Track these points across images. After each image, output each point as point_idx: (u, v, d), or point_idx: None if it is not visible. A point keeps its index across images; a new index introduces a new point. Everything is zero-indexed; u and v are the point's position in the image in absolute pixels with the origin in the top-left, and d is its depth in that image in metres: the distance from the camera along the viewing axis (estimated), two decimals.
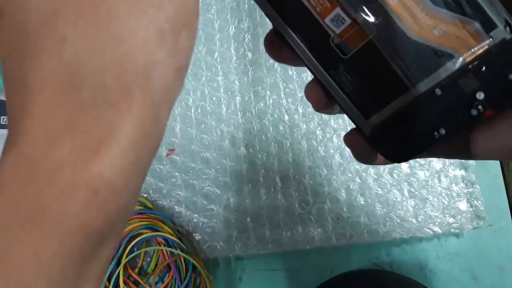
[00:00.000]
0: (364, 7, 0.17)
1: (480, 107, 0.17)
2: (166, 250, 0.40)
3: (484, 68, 0.17)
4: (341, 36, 0.18)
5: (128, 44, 0.12)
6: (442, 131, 0.18)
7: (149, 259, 0.42)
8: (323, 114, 0.45)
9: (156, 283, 0.41)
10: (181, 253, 0.40)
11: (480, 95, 0.17)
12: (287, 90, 0.46)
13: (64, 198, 0.12)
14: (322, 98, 0.20)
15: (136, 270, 0.41)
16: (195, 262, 0.40)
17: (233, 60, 0.47)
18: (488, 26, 0.16)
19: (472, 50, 0.17)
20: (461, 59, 0.17)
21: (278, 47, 0.20)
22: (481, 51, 0.17)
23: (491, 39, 0.17)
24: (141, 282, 0.41)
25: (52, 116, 0.12)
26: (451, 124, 0.18)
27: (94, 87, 0.12)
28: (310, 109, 0.45)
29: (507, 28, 0.16)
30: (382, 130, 0.19)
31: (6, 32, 0.13)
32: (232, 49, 0.47)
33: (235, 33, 0.47)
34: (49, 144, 0.12)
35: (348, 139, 0.21)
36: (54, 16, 0.12)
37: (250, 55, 0.47)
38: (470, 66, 0.17)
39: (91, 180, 0.12)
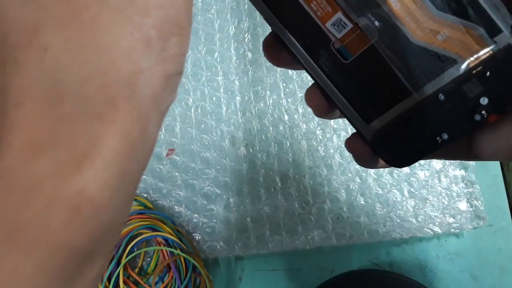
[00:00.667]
0: (366, 12, 0.17)
1: (483, 112, 0.17)
2: (166, 250, 0.40)
3: (488, 73, 0.17)
4: (342, 41, 0.18)
5: (113, 52, 0.12)
6: (445, 136, 0.18)
7: (149, 259, 0.42)
8: None
9: (156, 283, 0.41)
10: (181, 253, 0.40)
11: (484, 100, 0.17)
12: (287, 90, 0.46)
13: (44, 214, 0.12)
14: (323, 103, 0.20)
15: (136, 270, 0.41)
16: (195, 262, 0.40)
17: (233, 60, 0.47)
18: (493, 31, 0.16)
19: (476, 55, 0.17)
20: (464, 64, 0.17)
21: (277, 51, 0.20)
22: (485, 56, 0.17)
23: (495, 44, 0.16)
24: (141, 282, 0.40)
25: (33, 128, 0.12)
26: (454, 129, 0.18)
27: (77, 98, 0.12)
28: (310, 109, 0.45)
29: None
30: (384, 135, 0.19)
31: None
32: (232, 49, 0.47)
33: (235, 33, 0.47)
34: (30, 158, 0.12)
35: (349, 143, 0.21)
36: (36, 25, 0.12)
37: (250, 55, 0.47)
38: (474, 71, 0.17)
39: (73, 196, 0.12)
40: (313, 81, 0.20)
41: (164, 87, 0.13)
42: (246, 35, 0.47)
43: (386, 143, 0.19)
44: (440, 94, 0.18)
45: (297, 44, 0.19)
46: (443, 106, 0.18)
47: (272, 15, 0.19)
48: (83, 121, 0.12)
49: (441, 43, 0.17)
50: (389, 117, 0.19)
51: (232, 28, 0.47)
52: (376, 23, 0.17)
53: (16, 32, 0.12)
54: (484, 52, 0.17)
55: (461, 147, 0.20)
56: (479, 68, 0.17)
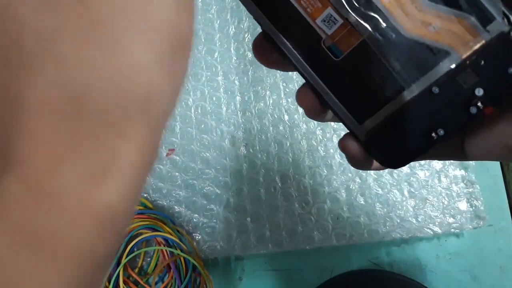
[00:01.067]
0: (357, 6, 0.17)
1: (479, 104, 0.17)
2: (166, 250, 0.40)
3: (482, 63, 0.16)
4: (333, 38, 0.18)
5: (129, 67, 0.12)
6: (441, 132, 0.18)
7: (149, 259, 0.42)
8: None
9: (156, 283, 0.41)
10: (181, 253, 0.40)
11: (479, 92, 0.17)
12: (287, 90, 0.46)
13: (71, 226, 0.12)
14: (315, 103, 0.20)
15: (136, 270, 0.41)
16: (195, 262, 0.40)
17: (233, 60, 0.47)
18: (485, 19, 0.16)
19: (469, 45, 0.16)
20: (458, 55, 0.17)
21: (268, 51, 0.19)
22: (478, 45, 0.16)
23: (488, 33, 0.16)
24: (141, 282, 0.40)
25: (54, 140, 0.12)
26: (449, 124, 0.18)
27: (95, 111, 0.12)
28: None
29: (505, 20, 0.16)
30: (377, 134, 0.19)
31: None
32: (232, 49, 0.47)
33: (235, 33, 0.47)
34: (53, 169, 0.12)
35: (342, 144, 0.20)
36: (54, 34, 0.12)
37: (250, 55, 0.47)
38: (467, 62, 0.17)
39: (97, 208, 0.12)
40: (304, 81, 0.19)
41: (172, 102, 0.14)
42: (246, 35, 0.47)
43: (380, 143, 0.19)
44: (434, 88, 0.17)
45: (287, 42, 0.18)
46: (437, 100, 0.17)
47: (261, 14, 0.18)
48: (101, 134, 0.12)
49: (433, 35, 0.17)
50: (383, 115, 0.18)
51: (232, 28, 0.47)
52: (367, 17, 0.17)
53: (32, 38, 0.12)
54: (477, 42, 0.16)
55: (455, 147, 0.20)
56: (472, 59, 0.16)
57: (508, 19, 0.16)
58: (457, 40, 0.16)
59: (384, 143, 0.19)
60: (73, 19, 0.12)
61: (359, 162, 0.20)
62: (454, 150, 0.20)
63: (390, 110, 0.18)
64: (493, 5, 0.16)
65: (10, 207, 0.12)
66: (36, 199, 0.12)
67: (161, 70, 0.13)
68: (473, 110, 0.17)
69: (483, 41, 0.16)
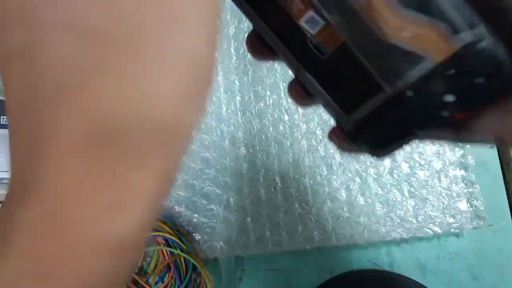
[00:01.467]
0: (335, 9, 0.17)
1: (451, 109, 0.17)
2: (166, 250, 0.40)
3: (453, 70, 0.17)
4: (318, 37, 0.18)
5: (155, 100, 0.12)
6: (416, 131, 0.19)
7: (149, 259, 0.42)
8: (323, 114, 0.45)
9: (156, 283, 0.41)
10: (181, 253, 0.40)
11: (450, 98, 0.17)
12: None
13: (89, 259, 0.12)
14: (303, 95, 0.21)
15: (136, 270, 0.41)
16: (195, 262, 0.40)
17: (233, 60, 0.47)
18: (456, 28, 0.16)
19: (441, 52, 0.17)
20: (431, 61, 0.17)
21: (260, 47, 0.20)
22: (451, 52, 0.16)
23: (459, 41, 0.16)
24: (141, 282, 0.40)
25: (76, 171, 0.12)
26: (424, 125, 0.18)
27: (119, 144, 0.12)
28: (310, 108, 0.45)
29: (475, 29, 0.16)
30: (361, 127, 0.20)
31: (24, 74, 0.12)
32: (232, 49, 0.47)
33: (235, 33, 0.47)
34: (74, 201, 0.12)
35: (331, 136, 0.22)
36: (84, 67, 0.11)
37: (250, 55, 0.47)
38: (440, 69, 0.17)
39: (116, 241, 0.13)
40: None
41: (192, 133, 0.14)
42: (246, 35, 0.47)
43: (364, 135, 0.20)
44: (408, 91, 0.17)
45: (278, 40, 0.19)
46: (411, 103, 0.18)
47: (253, 12, 0.19)
48: (125, 166, 0.12)
49: (408, 40, 0.17)
50: (364, 111, 0.19)
51: (232, 28, 0.47)
52: (345, 20, 0.17)
53: (62, 71, 0.11)
54: (449, 49, 0.16)
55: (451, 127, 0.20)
56: (445, 65, 0.17)
57: (478, 29, 0.16)
58: (430, 46, 0.17)
59: (367, 135, 0.20)
60: (102, 52, 0.11)
61: (345, 150, 0.22)
62: (452, 130, 0.20)
63: (370, 107, 0.19)
64: (464, 14, 0.16)
65: (26, 236, 0.12)
66: (56, 232, 0.12)
67: (185, 102, 0.13)
68: (446, 114, 0.18)
69: (454, 49, 0.16)
